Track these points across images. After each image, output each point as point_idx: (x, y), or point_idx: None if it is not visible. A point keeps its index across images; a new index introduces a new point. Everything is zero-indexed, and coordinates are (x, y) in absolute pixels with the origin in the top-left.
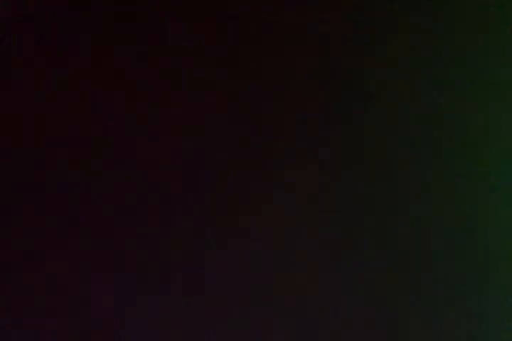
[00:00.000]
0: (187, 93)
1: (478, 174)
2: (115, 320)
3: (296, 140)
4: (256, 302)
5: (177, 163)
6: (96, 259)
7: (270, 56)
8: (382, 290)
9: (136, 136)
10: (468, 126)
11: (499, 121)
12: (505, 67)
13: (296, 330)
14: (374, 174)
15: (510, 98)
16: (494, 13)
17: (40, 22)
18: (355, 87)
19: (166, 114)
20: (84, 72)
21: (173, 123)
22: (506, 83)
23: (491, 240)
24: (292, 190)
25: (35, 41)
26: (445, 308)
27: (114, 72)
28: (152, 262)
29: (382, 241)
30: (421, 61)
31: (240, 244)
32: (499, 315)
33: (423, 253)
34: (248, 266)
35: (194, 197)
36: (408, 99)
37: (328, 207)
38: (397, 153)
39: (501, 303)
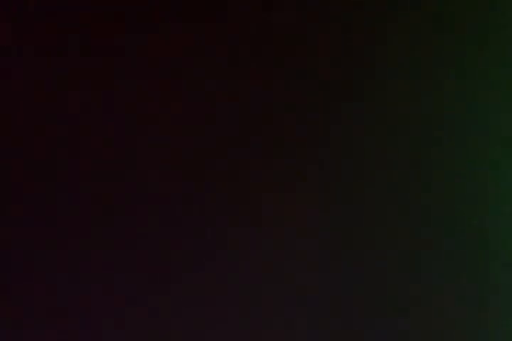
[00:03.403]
0: (187, 93)
1: (478, 174)
2: (115, 320)
3: (296, 140)
4: (256, 302)
5: (177, 163)
6: (96, 259)
7: (270, 56)
8: (382, 290)
9: (136, 136)
10: (468, 126)
11: (499, 121)
12: (505, 67)
13: (296, 330)
14: (374, 174)
15: (510, 98)
16: (494, 13)
17: (40, 22)
18: (355, 88)
19: (166, 114)
20: (84, 72)
21: (173, 123)
22: (506, 83)
23: (491, 240)
24: (292, 190)
25: (35, 41)
26: (445, 308)
27: (114, 72)
28: (152, 262)
29: (382, 241)
30: (421, 61)
31: (240, 244)
32: (499, 315)
33: (423, 253)
34: (248, 266)
35: (194, 197)
36: (408, 99)
37: (328, 207)
38: (397, 153)
39: (501, 303)
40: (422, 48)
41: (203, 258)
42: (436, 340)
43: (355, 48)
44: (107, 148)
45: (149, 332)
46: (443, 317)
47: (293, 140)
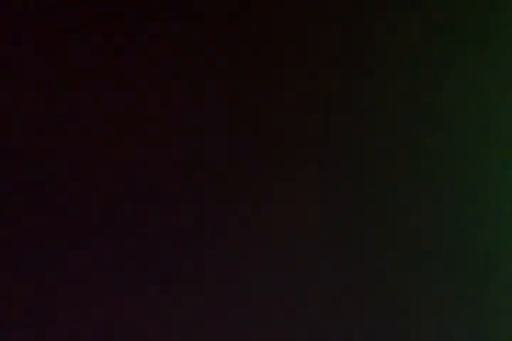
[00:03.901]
0: (187, 93)
1: (478, 174)
2: (115, 320)
3: (296, 140)
4: (256, 302)
5: (177, 163)
6: (96, 259)
7: (270, 56)
8: (382, 290)
9: (136, 136)
10: (468, 126)
11: (499, 121)
12: (505, 67)
13: (296, 330)
14: (374, 174)
15: (511, 98)
16: (494, 13)
17: (40, 22)
18: (355, 88)
19: (166, 113)
20: (84, 72)
21: (173, 123)
22: (506, 83)
23: (491, 240)
24: (292, 190)
25: (35, 41)
26: (445, 308)
27: (114, 72)
28: (152, 262)
29: (383, 241)
30: (421, 61)
31: (240, 244)
32: (499, 315)
33: (423, 253)
34: (248, 266)
35: (194, 197)
36: (408, 99)
37: (328, 207)
38: (397, 153)
39: (501, 303)
40: (422, 48)
41: (203, 258)
42: (436, 340)
43: (355, 48)
44: (107, 148)
45: (149, 332)
46: (443, 317)
47: (293, 140)
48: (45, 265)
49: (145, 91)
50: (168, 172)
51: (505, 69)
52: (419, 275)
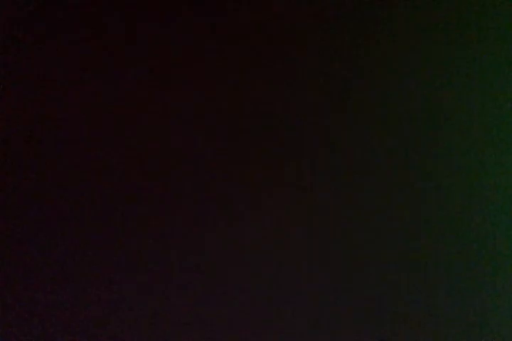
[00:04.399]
0: (187, 93)
1: (478, 174)
2: (114, 320)
3: (297, 140)
4: (256, 302)
5: (177, 163)
6: (95, 259)
7: (270, 56)
8: (381, 290)
9: (136, 136)
10: (468, 126)
11: (499, 121)
12: (505, 67)
13: (296, 330)
14: (374, 174)
15: (511, 98)
16: (494, 13)
17: (40, 22)
18: (355, 88)
19: (166, 114)
20: (84, 72)
21: (173, 123)
22: (506, 83)
23: (491, 240)
24: (292, 190)
25: (35, 41)
26: (445, 308)
27: (114, 72)
28: (152, 262)
29: (382, 241)
30: (421, 61)
31: (240, 244)
32: (499, 315)
33: (423, 253)
34: (248, 266)
35: (194, 197)
36: (408, 99)
37: (328, 207)
38: (397, 153)
39: (501, 303)
40: (422, 48)
41: (203, 259)
42: (436, 340)
43: (355, 48)
44: (107, 148)
45: (149, 331)
46: (443, 317)
47: (293, 140)
48: (45, 265)
49: (145, 91)
50: (168, 172)
51: (505, 69)
52: (419, 275)
